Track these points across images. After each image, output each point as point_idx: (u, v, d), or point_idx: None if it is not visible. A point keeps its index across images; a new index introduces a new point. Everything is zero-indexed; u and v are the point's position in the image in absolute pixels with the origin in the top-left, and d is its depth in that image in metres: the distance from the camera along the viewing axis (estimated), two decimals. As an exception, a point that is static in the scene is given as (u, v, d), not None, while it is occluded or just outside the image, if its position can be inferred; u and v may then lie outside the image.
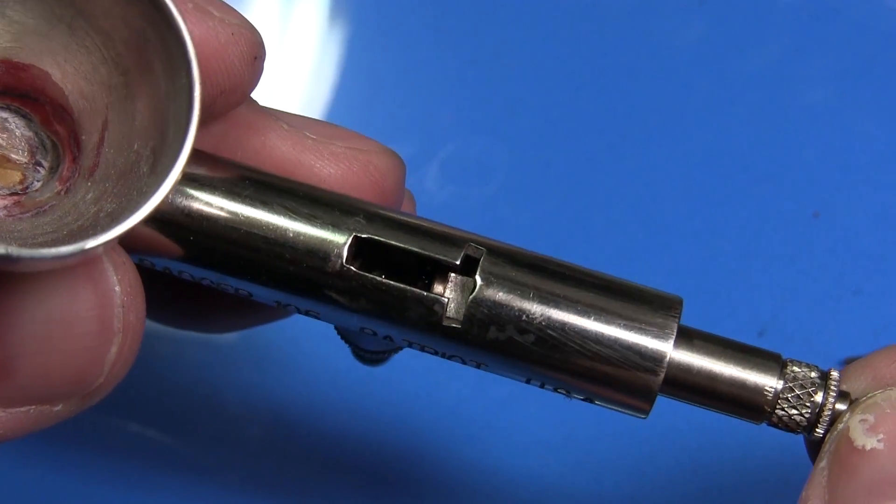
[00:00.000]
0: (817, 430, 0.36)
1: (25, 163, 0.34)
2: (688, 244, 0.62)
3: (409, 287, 0.35)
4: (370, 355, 0.44)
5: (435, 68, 0.68)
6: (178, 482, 0.59)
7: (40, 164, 0.34)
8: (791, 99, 0.65)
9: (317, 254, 0.36)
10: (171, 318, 0.52)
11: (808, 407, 0.36)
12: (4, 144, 0.34)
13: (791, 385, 0.36)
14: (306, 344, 0.61)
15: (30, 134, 0.34)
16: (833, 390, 0.36)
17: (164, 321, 0.53)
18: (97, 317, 0.34)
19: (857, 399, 0.35)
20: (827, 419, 0.36)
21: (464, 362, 0.37)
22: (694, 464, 0.57)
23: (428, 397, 0.59)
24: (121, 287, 0.34)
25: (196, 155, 0.36)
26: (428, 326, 0.36)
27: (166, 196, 0.30)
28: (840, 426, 0.35)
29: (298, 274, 0.36)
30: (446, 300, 0.36)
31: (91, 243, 0.30)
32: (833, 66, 0.66)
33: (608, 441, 0.58)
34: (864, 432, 0.33)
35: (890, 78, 0.65)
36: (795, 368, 0.36)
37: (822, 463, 0.34)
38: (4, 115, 0.34)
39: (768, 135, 0.64)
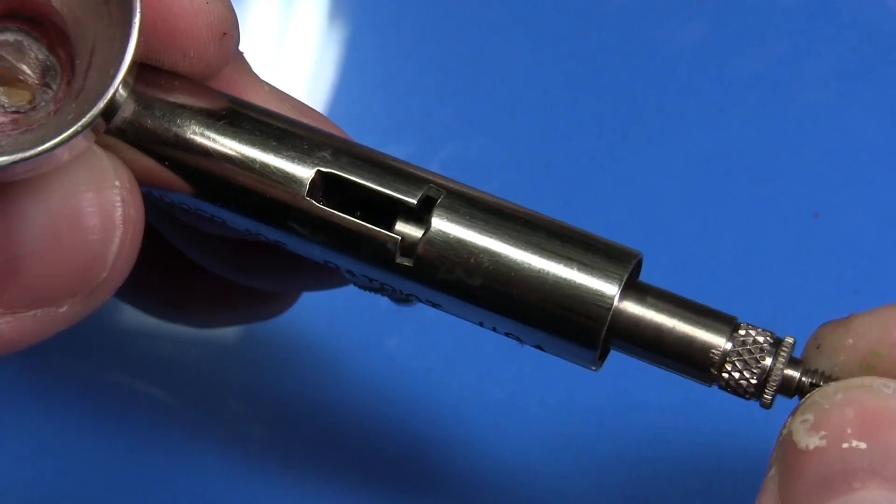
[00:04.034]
0: (765, 394, 0.36)
1: (37, 83, 0.36)
2: (688, 244, 0.62)
3: (365, 224, 0.36)
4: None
5: (435, 68, 0.68)
6: (178, 481, 0.59)
7: (49, 86, 0.36)
8: (791, 99, 0.65)
9: (281, 185, 0.37)
10: (152, 307, 0.53)
11: (755, 371, 0.36)
12: (18, 66, 0.36)
13: (739, 348, 0.36)
14: (307, 343, 0.61)
15: (42, 56, 0.36)
16: (783, 355, 0.36)
17: (146, 309, 0.54)
18: (100, 211, 0.35)
19: (816, 370, 0.35)
20: (775, 384, 0.36)
21: (420, 301, 0.38)
22: (694, 464, 0.57)
23: (428, 397, 0.59)
24: (120, 182, 0.36)
25: (177, 81, 0.38)
26: (382, 263, 0.37)
27: (90, 121, 0.33)
28: (784, 432, 0.34)
29: (264, 204, 0.37)
30: (398, 239, 0.36)
31: (14, 157, 0.33)
32: (833, 66, 0.66)
33: (608, 441, 0.58)
34: (805, 433, 0.33)
35: (890, 78, 0.65)
36: (747, 331, 0.36)
37: (772, 471, 0.34)
38: (20, 37, 0.36)
39: (768, 135, 0.64)
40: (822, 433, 0.33)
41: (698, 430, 0.58)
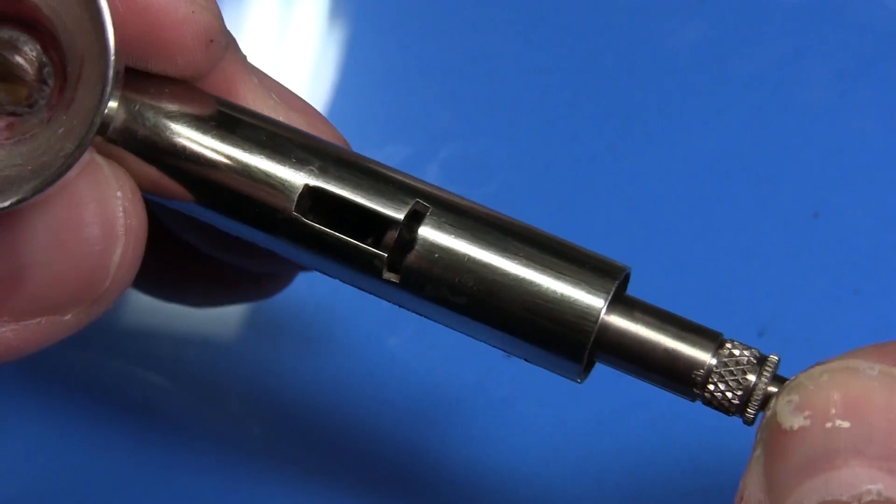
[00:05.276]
0: (748, 411, 0.36)
1: (34, 79, 0.36)
2: (688, 244, 0.62)
3: (351, 240, 0.37)
4: None
5: (435, 68, 0.67)
6: (178, 481, 0.59)
7: (46, 83, 0.36)
8: (791, 99, 0.65)
9: (270, 200, 0.37)
10: (152, 287, 0.53)
11: (739, 387, 0.36)
12: (15, 63, 0.36)
13: (725, 363, 0.36)
14: (307, 344, 0.61)
15: (37, 55, 0.36)
16: (767, 372, 0.36)
17: (146, 290, 0.54)
18: (102, 221, 0.36)
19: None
20: (758, 401, 0.36)
21: (410, 311, 0.39)
22: (694, 464, 0.57)
23: (427, 397, 0.59)
24: (122, 193, 0.36)
25: (167, 87, 0.38)
26: (369, 278, 0.37)
27: (80, 153, 0.34)
28: (769, 413, 0.34)
29: (253, 217, 0.37)
30: (385, 256, 0.37)
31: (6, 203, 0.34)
32: (833, 66, 0.66)
33: (608, 441, 0.58)
34: (790, 413, 0.33)
35: (890, 78, 0.65)
36: (732, 348, 0.36)
37: (757, 451, 0.34)
38: (14, 34, 0.36)
39: (768, 135, 0.64)
40: (807, 413, 0.33)
41: (699, 430, 0.58)
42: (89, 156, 0.36)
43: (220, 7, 0.40)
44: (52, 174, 0.34)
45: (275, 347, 0.61)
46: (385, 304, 0.61)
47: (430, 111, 0.66)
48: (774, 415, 0.34)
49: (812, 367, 0.34)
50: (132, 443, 0.60)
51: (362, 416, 0.59)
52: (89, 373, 0.61)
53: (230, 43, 0.40)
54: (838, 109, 0.64)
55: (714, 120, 0.65)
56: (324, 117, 0.44)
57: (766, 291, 0.61)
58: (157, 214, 0.49)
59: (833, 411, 0.32)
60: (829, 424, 0.32)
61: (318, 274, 0.54)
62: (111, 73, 0.34)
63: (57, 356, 0.61)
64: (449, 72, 0.67)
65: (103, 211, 0.36)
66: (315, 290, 0.61)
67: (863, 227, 0.62)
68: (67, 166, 0.34)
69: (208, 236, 0.49)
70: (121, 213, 0.36)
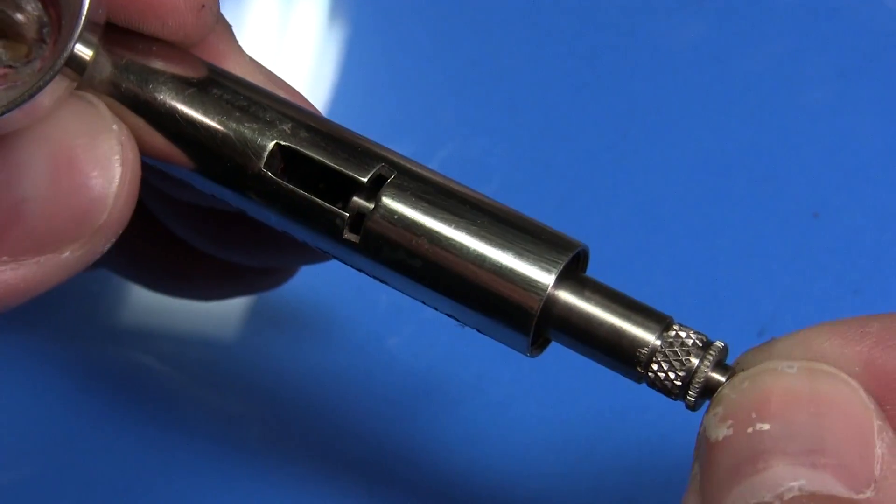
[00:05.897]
0: (689, 394, 0.36)
1: (34, 37, 0.37)
2: (688, 244, 0.62)
3: (314, 198, 0.37)
4: None
5: (435, 68, 0.68)
6: (178, 481, 0.59)
7: (45, 41, 0.37)
8: (791, 99, 0.65)
9: (241, 156, 0.38)
10: (158, 282, 0.54)
11: (682, 368, 0.36)
12: (17, 21, 0.37)
13: (670, 343, 0.36)
14: (307, 343, 0.61)
15: (38, 12, 0.37)
16: (710, 358, 0.36)
17: (151, 286, 0.55)
18: (98, 155, 0.36)
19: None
20: (699, 385, 0.36)
21: (368, 276, 0.39)
22: (694, 464, 0.57)
23: (427, 397, 0.59)
24: (118, 126, 0.37)
25: (156, 46, 0.39)
26: (330, 237, 0.38)
27: (49, 79, 0.35)
28: (700, 430, 0.34)
29: (225, 172, 0.38)
30: (346, 216, 0.37)
31: None
32: (833, 66, 0.66)
33: (608, 441, 0.58)
34: (715, 425, 0.33)
35: (890, 78, 0.65)
36: (679, 330, 0.36)
37: (694, 469, 0.34)
38: None
39: (768, 135, 0.64)
40: (730, 422, 0.33)
41: (698, 430, 0.58)
42: (65, 87, 0.36)
43: (220, 8, 0.40)
44: (21, 98, 0.35)
45: (275, 347, 0.61)
46: (385, 303, 0.61)
47: (430, 111, 0.66)
48: (704, 430, 0.34)
49: (734, 376, 0.35)
50: (131, 442, 0.60)
51: (362, 416, 0.59)
52: (89, 371, 0.61)
53: (222, 18, 0.41)
54: (838, 109, 0.64)
55: (714, 119, 0.65)
56: (309, 101, 0.44)
57: (766, 291, 0.61)
58: (160, 218, 0.49)
59: (753, 415, 0.33)
60: (750, 429, 0.33)
61: (318, 274, 0.54)
62: (86, 2, 0.35)
63: (57, 354, 0.61)
64: (449, 72, 0.67)
65: (98, 144, 0.36)
66: (315, 289, 0.61)
67: (863, 227, 0.62)
68: (38, 88, 0.35)
69: (206, 235, 0.49)
70: (118, 146, 0.37)
